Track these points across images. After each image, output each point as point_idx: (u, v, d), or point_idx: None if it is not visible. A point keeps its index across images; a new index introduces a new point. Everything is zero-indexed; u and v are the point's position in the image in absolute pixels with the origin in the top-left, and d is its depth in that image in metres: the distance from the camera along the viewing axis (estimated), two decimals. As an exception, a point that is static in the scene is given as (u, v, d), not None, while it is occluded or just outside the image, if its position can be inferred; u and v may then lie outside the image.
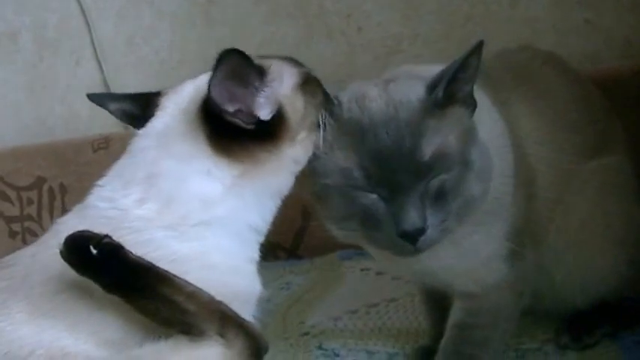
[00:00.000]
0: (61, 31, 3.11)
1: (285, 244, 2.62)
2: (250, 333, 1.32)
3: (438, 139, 1.34)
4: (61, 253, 1.24)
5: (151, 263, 1.27)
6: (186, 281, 1.29)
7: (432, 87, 1.37)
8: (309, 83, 1.47)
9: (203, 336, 1.27)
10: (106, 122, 3.01)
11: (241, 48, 2.49)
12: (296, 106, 1.43)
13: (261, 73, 1.40)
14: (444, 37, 2.55)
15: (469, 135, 1.39)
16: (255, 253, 1.47)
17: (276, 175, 1.42)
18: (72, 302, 1.30)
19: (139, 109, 1.50)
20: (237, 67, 1.35)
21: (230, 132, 1.38)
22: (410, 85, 1.41)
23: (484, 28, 2.47)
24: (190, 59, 2.87)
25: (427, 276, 1.58)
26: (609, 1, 2.39)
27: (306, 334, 1.96)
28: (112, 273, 1.25)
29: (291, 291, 2.25)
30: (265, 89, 1.40)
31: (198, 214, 1.38)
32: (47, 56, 3.17)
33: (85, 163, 2.88)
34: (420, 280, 1.70)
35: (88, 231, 1.25)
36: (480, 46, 1.36)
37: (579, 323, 1.69)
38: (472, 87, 1.40)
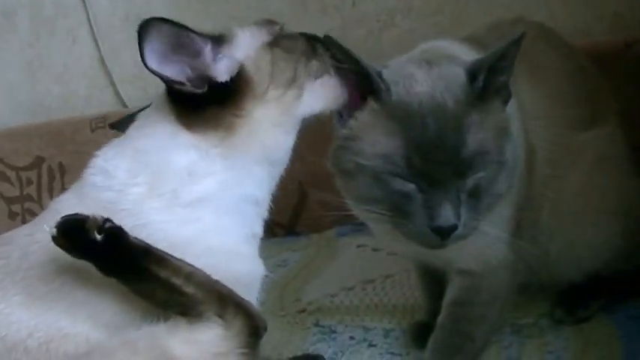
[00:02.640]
0: (58, 10, 3.09)
1: (282, 220, 2.62)
2: (249, 313, 1.32)
3: (481, 135, 1.35)
4: (54, 238, 1.24)
5: (148, 245, 1.28)
6: (184, 262, 1.29)
7: (472, 75, 1.37)
8: (282, 40, 1.47)
9: (201, 317, 1.28)
10: (103, 101, 3.03)
11: (236, 24, 2.50)
12: (260, 65, 1.42)
13: (209, 38, 1.40)
14: (438, 11, 2.54)
15: (505, 131, 1.40)
16: (257, 229, 1.47)
17: (254, 138, 1.41)
18: (69, 284, 1.31)
19: None
20: (166, 36, 1.34)
21: (193, 103, 1.38)
22: (452, 70, 1.41)
23: (478, 2, 2.45)
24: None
25: (428, 254, 1.59)
26: (601, -26, 2.39)
27: (303, 311, 1.98)
28: (111, 256, 1.25)
29: (288, 268, 2.27)
30: (221, 52, 1.40)
31: (189, 189, 1.39)
32: (44, 35, 3.15)
33: (84, 143, 2.87)
34: (419, 258, 1.71)
35: (82, 214, 1.24)
36: (522, 37, 1.37)
37: (574, 297, 1.70)
38: (509, 78, 1.41)
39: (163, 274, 1.27)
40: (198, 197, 1.39)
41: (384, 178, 1.36)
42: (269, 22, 1.51)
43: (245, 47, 1.44)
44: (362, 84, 1.42)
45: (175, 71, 1.36)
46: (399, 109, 1.37)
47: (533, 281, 1.67)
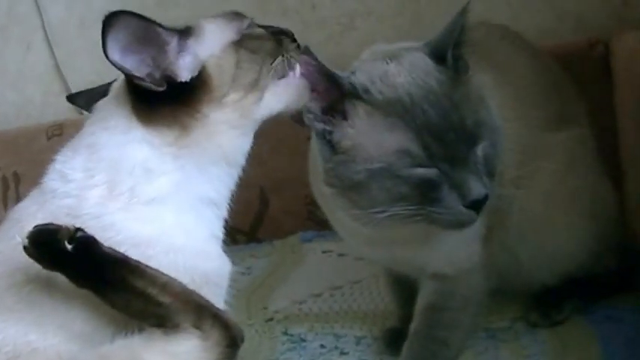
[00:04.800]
0: (11, 16, 3.02)
1: (243, 227, 2.58)
2: (226, 323, 1.30)
3: (471, 106, 1.37)
4: (26, 248, 1.20)
5: (123, 255, 1.25)
6: (159, 272, 1.27)
7: (439, 56, 1.39)
8: (248, 39, 1.45)
9: (178, 328, 1.25)
10: (59, 108, 2.97)
11: None
12: (223, 66, 1.41)
13: (176, 32, 1.39)
14: (398, 14, 2.53)
15: (483, 97, 1.42)
16: (217, 231, 1.46)
17: (209, 140, 1.39)
18: (37, 295, 1.28)
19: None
20: (132, 28, 1.33)
21: (150, 98, 1.37)
22: (416, 56, 1.42)
23: (438, 5, 2.44)
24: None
25: (401, 259, 1.58)
26: (564, -25, 2.40)
27: (271, 319, 1.95)
28: (84, 267, 1.22)
29: (252, 276, 2.23)
30: (185, 49, 1.39)
31: (146, 188, 1.37)
32: (-3, 42, 3.09)
33: (39, 151, 2.80)
34: (391, 262, 1.69)
35: (54, 224, 1.22)
36: (466, 7, 1.38)
37: (548, 300, 1.70)
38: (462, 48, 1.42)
39: (139, 284, 1.24)
40: (155, 197, 1.37)
41: (403, 173, 1.34)
42: (238, 16, 1.49)
43: (210, 45, 1.42)
44: (337, 93, 1.40)
45: (136, 65, 1.34)
46: (392, 106, 1.36)
47: (506, 286, 1.66)
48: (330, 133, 1.40)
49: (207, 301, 1.30)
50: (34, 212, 1.35)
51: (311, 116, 1.41)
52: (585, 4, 2.39)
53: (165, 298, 1.25)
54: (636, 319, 1.63)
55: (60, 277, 1.24)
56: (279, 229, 2.49)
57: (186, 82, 1.38)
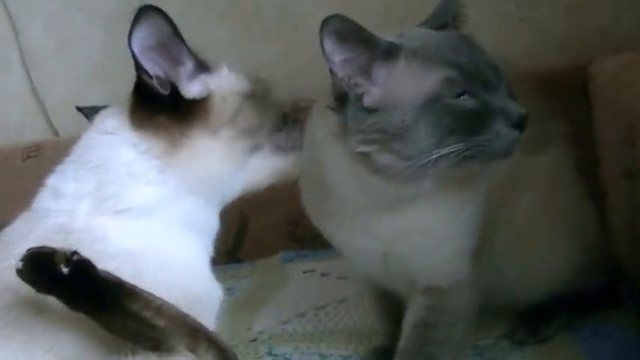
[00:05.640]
0: (-13, 38, 3.03)
1: (223, 247, 2.55)
2: (220, 347, 1.30)
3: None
4: (20, 271, 1.19)
5: (117, 278, 1.25)
6: (153, 295, 1.27)
7: (436, 27, 1.47)
8: (260, 98, 1.51)
9: (173, 351, 1.25)
10: (36, 129, 2.96)
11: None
12: (227, 103, 1.46)
13: (195, 60, 1.47)
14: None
15: None
16: (205, 253, 1.50)
17: (194, 165, 1.42)
18: (25, 318, 1.27)
19: None
20: (159, 31, 1.40)
21: (150, 104, 1.42)
22: (421, 30, 1.49)
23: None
24: (123, 63, 2.80)
25: (395, 270, 1.58)
26: (544, 1, 2.45)
27: (255, 340, 1.93)
28: (79, 290, 1.22)
29: (234, 296, 2.22)
30: (196, 78, 1.45)
31: (131, 194, 1.39)
32: (-27, 63, 3.08)
33: (15, 172, 2.80)
34: (383, 276, 1.66)
35: (49, 247, 1.21)
36: None
37: (534, 317, 1.70)
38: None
39: (134, 307, 1.23)
40: (141, 206, 1.40)
41: (449, 102, 1.35)
42: (258, 80, 1.55)
43: (222, 84, 1.48)
44: (372, 52, 1.38)
45: (151, 64, 1.40)
46: (427, 50, 1.39)
47: (491, 302, 1.65)
48: (361, 95, 1.38)
49: (202, 324, 1.31)
50: (25, 234, 1.36)
51: (344, 84, 1.39)
52: (567, 27, 2.43)
53: (160, 321, 1.25)
54: (622, 335, 1.64)
55: (49, 300, 1.23)
56: (260, 249, 2.49)
57: (187, 100, 1.42)
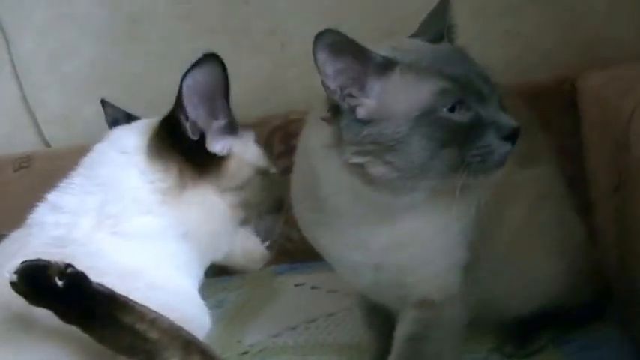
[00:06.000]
0: (-21, 49, 3.03)
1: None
2: (213, 358, 1.31)
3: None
4: (14, 284, 1.19)
5: (111, 290, 1.25)
6: (147, 308, 1.27)
7: (430, 39, 1.48)
8: (267, 180, 1.57)
9: None
10: (26, 141, 2.96)
11: (167, 64, 2.46)
12: (242, 171, 1.52)
13: (229, 120, 1.50)
14: (369, 52, 2.56)
15: None
16: (194, 280, 1.51)
17: (194, 212, 1.46)
18: (16, 331, 1.27)
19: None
20: (214, 80, 1.44)
21: (174, 139, 1.44)
22: (415, 41, 1.51)
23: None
24: (114, 76, 2.84)
25: (388, 283, 1.59)
26: (530, 13, 2.47)
27: (245, 352, 1.94)
28: (74, 302, 1.22)
29: (225, 309, 2.22)
30: (223, 137, 1.50)
31: (132, 218, 1.41)
32: (-37, 74, 3.07)
33: (6, 183, 2.80)
34: (374, 289, 1.68)
35: (43, 260, 1.21)
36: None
37: (522, 331, 1.71)
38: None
39: (127, 319, 1.24)
40: (139, 232, 1.41)
41: (442, 115, 1.36)
42: (272, 164, 1.61)
43: (244, 151, 1.54)
44: (365, 66, 1.39)
45: (192, 110, 1.43)
46: (421, 62, 1.40)
47: (480, 317, 1.65)
48: (355, 107, 1.39)
49: (195, 337, 1.31)
50: (20, 247, 1.37)
51: (337, 96, 1.40)
52: (552, 42, 2.46)
53: (153, 334, 1.25)
54: (610, 349, 1.66)
55: (41, 314, 1.23)
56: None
57: (209, 153, 1.47)
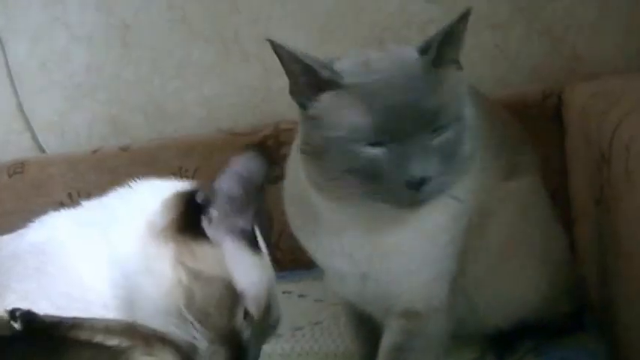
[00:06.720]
0: (-28, 54, 3.04)
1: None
2: (174, 344, 1.32)
3: (437, 93, 1.37)
4: None
5: (57, 316, 1.25)
6: (95, 319, 1.28)
7: (424, 49, 1.40)
8: (231, 310, 1.40)
9: None
10: (21, 147, 2.97)
11: (159, 71, 2.45)
12: (212, 265, 1.39)
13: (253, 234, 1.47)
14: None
15: (462, 94, 1.43)
16: None
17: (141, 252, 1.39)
18: None
19: None
20: (234, 197, 1.40)
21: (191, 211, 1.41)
22: (405, 50, 1.44)
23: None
24: (106, 83, 2.85)
25: (374, 292, 1.60)
26: (519, 27, 2.48)
27: (233, 359, 1.94)
28: (32, 338, 1.22)
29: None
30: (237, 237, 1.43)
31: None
32: (-42, 79, 3.08)
33: (1, 188, 2.81)
34: (360, 298, 1.68)
35: None
36: (467, 14, 1.40)
37: (503, 342, 1.73)
38: (459, 52, 1.44)
39: (83, 335, 1.24)
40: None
41: (352, 148, 1.37)
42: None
43: (235, 260, 1.42)
44: (314, 77, 1.41)
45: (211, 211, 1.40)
46: (358, 86, 1.39)
47: (462, 328, 1.67)
48: (305, 105, 1.43)
49: (151, 328, 1.31)
50: None
51: (293, 92, 1.45)
52: (538, 55, 2.48)
53: (112, 341, 1.26)
54: (588, 359, 1.68)
55: None
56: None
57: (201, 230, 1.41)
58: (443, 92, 1.39)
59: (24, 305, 1.23)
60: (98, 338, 1.25)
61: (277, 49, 1.43)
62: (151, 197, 1.44)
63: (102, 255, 1.38)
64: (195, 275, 1.35)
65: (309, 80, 1.42)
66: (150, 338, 1.29)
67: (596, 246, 1.83)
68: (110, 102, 2.86)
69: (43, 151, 2.98)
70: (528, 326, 1.72)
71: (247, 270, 1.42)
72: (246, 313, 1.40)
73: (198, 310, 1.34)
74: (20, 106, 2.97)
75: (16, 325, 1.19)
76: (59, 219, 1.47)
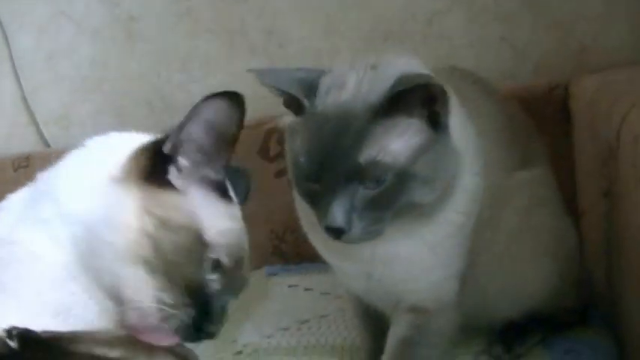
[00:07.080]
0: (-23, 47, 3.03)
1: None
2: (174, 351, 1.32)
3: (377, 146, 1.35)
4: None
5: (55, 331, 1.23)
6: (94, 332, 1.27)
7: (397, 82, 1.36)
8: (198, 255, 1.32)
9: None
10: (26, 140, 2.97)
11: (164, 64, 2.43)
12: (179, 212, 1.31)
13: (224, 184, 1.38)
14: (365, 53, 2.57)
15: (419, 147, 1.38)
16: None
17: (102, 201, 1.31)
18: None
19: None
20: (229, 122, 1.32)
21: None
22: (386, 75, 1.39)
23: (403, 45, 2.51)
24: (112, 76, 2.84)
25: (380, 289, 1.61)
26: (525, 19, 2.47)
27: (239, 352, 1.94)
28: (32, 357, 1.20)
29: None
30: (206, 186, 1.36)
31: None
32: (-37, 72, 3.08)
33: (6, 182, 2.80)
34: (367, 293, 1.69)
35: None
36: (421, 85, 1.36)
37: (511, 333, 1.73)
38: (441, 109, 1.40)
39: (82, 348, 1.23)
40: None
41: (298, 177, 1.44)
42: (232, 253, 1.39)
43: (203, 206, 1.34)
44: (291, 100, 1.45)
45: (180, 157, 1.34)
46: (315, 117, 1.41)
47: (470, 320, 1.67)
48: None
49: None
50: None
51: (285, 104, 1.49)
52: (545, 48, 2.47)
53: (115, 353, 1.25)
54: (593, 352, 1.69)
55: None
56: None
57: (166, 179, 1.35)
58: (385, 146, 1.36)
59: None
60: (100, 351, 1.24)
61: (259, 77, 1.47)
62: (111, 151, 1.37)
63: (53, 223, 1.30)
64: (163, 224, 1.28)
65: (291, 102, 1.46)
66: (152, 349, 1.29)
67: (604, 238, 1.83)
68: (115, 95, 2.84)
69: (48, 144, 2.97)
70: (536, 318, 1.73)
71: (217, 219, 1.34)
72: (217, 265, 1.33)
73: (167, 261, 1.27)
74: (25, 100, 2.96)
75: (13, 344, 1.18)
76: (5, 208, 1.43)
